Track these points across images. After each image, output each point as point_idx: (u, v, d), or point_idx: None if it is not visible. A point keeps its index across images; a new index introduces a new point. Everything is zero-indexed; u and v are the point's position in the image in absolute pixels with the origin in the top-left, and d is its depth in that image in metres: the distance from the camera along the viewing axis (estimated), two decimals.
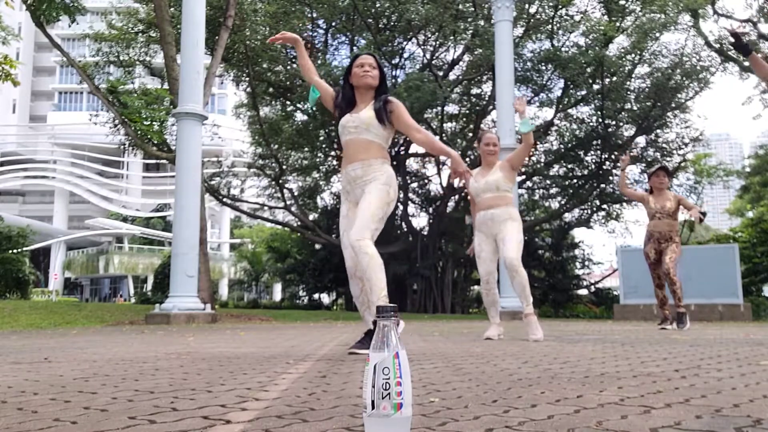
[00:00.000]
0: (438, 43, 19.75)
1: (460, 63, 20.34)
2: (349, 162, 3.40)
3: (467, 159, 20.60)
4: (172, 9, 14.90)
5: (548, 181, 21.14)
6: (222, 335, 5.79)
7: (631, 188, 6.81)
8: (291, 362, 2.85)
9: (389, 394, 1.11)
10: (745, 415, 1.41)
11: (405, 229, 22.30)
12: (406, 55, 20.40)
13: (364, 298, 3.32)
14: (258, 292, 36.39)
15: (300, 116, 21.17)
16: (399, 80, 17.46)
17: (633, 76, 18.02)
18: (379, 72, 3.46)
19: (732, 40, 4.55)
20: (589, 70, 16.77)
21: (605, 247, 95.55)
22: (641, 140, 19.26)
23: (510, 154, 5.01)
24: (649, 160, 18.96)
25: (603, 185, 19.95)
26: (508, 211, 4.80)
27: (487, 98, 20.07)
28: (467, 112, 21.50)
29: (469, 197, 5.16)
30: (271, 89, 19.60)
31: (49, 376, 2.34)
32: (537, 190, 22.35)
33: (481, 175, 4.93)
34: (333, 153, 21.02)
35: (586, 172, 20.04)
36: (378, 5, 17.93)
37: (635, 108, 18.20)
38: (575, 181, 20.59)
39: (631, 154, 6.96)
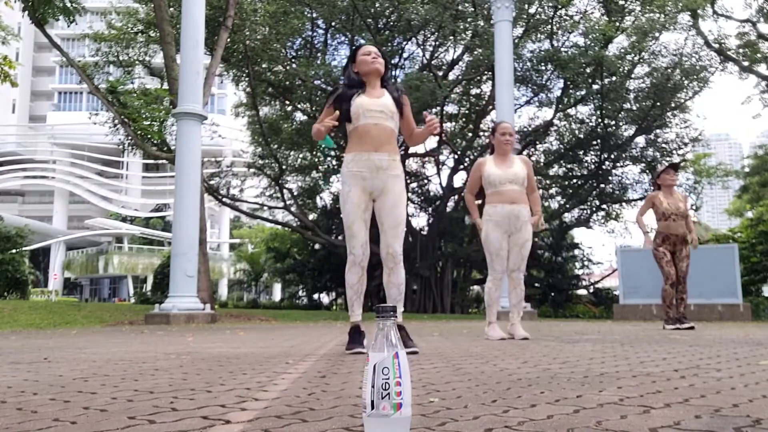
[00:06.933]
0: (437, 43, 19.75)
1: (460, 63, 20.34)
2: (374, 149, 3.31)
3: (467, 159, 20.64)
4: (171, 9, 14.90)
5: (548, 181, 21.15)
6: (221, 335, 5.78)
7: (642, 217, 6.75)
8: (290, 362, 2.85)
9: (389, 394, 1.11)
10: (745, 415, 1.41)
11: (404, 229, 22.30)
12: (405, 55, 20.41)
13: (359, 287, 3.39)
14: (257, 292, 36.36)
15: (300, 116, 21.17)
16: (398, 80, 17.47)
17: (632, 76, 18.02)
18: (383, 60, 3.48)
19: None
20: (588, 70, 16.77)
21: (605, 247, 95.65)
22: (641, 140, 19.28)
23: (529, 169, 4.84)
24: (648, 159, 18.97)
25: (602, 185, 19.95)
26: (528, 212, 4.76)
27: (486, 98, 20.07)
28: (467, 112, 21.49)
29: (475, 187, 4.92)
30: (270, 89, 19.60)
31: (48, 376, 2.34)
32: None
33: (500, 165, 4.76)
34: (333, 153, 20.98)
35: (585, 172, 20.05)
36: (377, 5, 17.92)
37: (635, 108, 18.20)
38: (575, 181, 20.60)
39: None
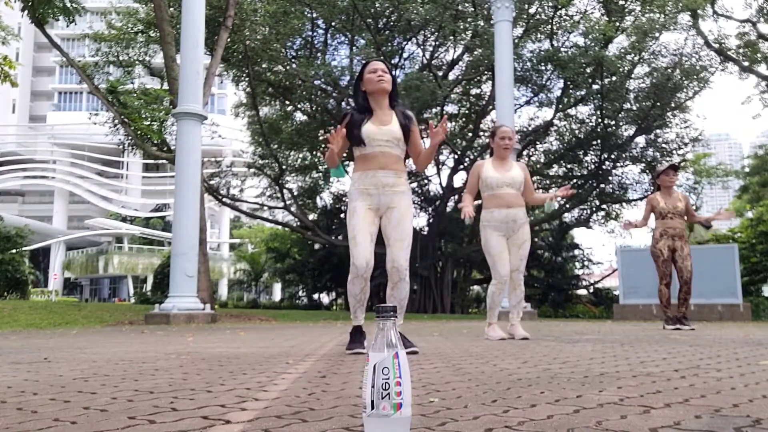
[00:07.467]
0: (437, 43, 19.75)
1: (460, 63, 20.35)
2: (380, 167, 3.37)
3: (467, 159, 20.65)
4: (171, 9, 14.90)
5: (548, 181, 21.14)
6: (221, 335, 5.78)
7: (644, 218, 6.78)
8: (290, 362, 2.85)
9: (389, 394, 1.11)
10: (745, 415, 1.41)
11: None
12: (405, 55, 20.42)
13: (362, 297, 3.42)
14: (257, 292, 36.37)
15: (299, 116, 21.16)
16: (398, 80, 17.48)
17: (632, 76, 18.00)
18: (390, 76, 3.47)
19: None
20: (588, 70, 16.76)
21: (605, 247, 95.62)
22: (641, 140, 19.26)
23: (526, 174, 4.86)
24: (648, 159, 18.96)
25: (602, 185, 19.94)
26: (525, 214, 4.80)
27: (486, 98, 20.08)
28: (467, 112, 21.50)
29: (474, 189, 4.95)
30: (270, 89, 19.60)
31: (48, 376, 2.34)
32: (536, 190, 22.32)
33: (498, 169, 4.79)
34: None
35: (585, 172, 20.05)
36: (378, 5, 17.92)
37: (635, 108, 18.18)
38: (575, 181, 20.58)
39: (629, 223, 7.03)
